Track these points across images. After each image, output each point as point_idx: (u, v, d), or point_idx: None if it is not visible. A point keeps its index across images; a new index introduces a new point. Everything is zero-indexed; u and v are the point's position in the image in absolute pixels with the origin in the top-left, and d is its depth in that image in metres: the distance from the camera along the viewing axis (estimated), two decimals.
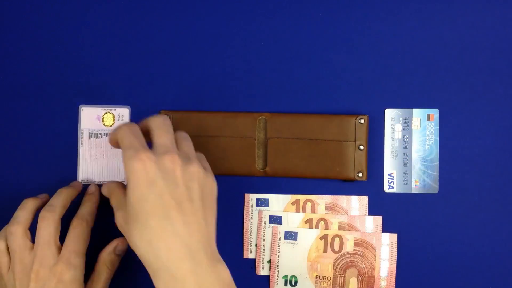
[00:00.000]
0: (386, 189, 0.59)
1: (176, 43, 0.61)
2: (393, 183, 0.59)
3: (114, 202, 0.51)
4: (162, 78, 0.61)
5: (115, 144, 0.51)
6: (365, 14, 0.60)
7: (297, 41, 0.60)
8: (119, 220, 0.49)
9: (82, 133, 0.55)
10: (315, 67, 0.60)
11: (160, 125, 0.49)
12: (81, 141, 0.55)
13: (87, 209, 0.56)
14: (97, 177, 0.58)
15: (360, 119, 0.58)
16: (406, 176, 0.59)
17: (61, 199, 0.55)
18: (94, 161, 0.56)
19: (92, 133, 0.55)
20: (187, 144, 0.51)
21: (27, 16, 0.61)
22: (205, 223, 0.47)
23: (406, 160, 0.59)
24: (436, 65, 0.60)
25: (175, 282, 0.44)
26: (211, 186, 0.49)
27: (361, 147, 0.58)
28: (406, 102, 0.60)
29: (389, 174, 0.59)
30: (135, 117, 0.61)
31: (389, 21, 0.60)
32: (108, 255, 0.56)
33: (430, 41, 0.60)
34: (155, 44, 0.61)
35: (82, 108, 0.54)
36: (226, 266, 0.47)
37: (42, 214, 0.53)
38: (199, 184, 0.48)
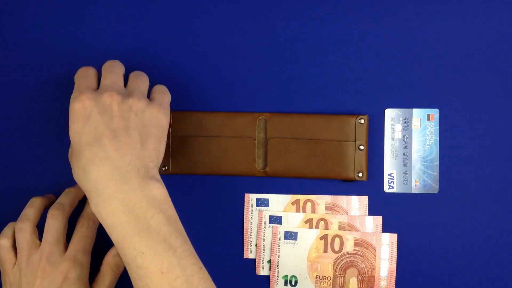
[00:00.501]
0: (386, 189, 0.59)
1: (176, 43, 0.61)
2: (393, 183, 0.59)
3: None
4: (162, 78, 0.61)
5: None
6: (365, 14, 0.60)
7: (297, 41, 0.60)
8: (69, 156, 0.53)
9: None
10: (315, 67, 0.60)
11: (107, 67, 0.53)
12: None
13: (64, 198, 0.56)
14: None
15: (360, 119, 0.58)
16: (406, 176, 0.59)
17: (69, 198, 0.56)
18: None
19: None
20: (136, 80, 0.54)
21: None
22: (141, 147, 0.49)
23: (406, 160, 0.59)
24: (436, 65, 0.59)
25: (102, 201, 0.47)
26: (155, 116, 0.51)
27: (361, 147, 0.58)
28: (406, 102, 0.60)
29: (389, 174, 0.59)
30: None
31: (389, 21, 0.60)
32: (113, 258, 0.56)
33: (430, 41, 0.60)
34: (155, 44, 0.61)
35: None
36: (161, 185, 0.49)
37: (51, 212, 0.54)
38: (136, 114, 0.50)
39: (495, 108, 0.59)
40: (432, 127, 0.59)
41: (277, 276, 0.59)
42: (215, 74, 0.60)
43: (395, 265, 0.59)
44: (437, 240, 0.59)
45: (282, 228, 0.60)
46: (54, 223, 0.53)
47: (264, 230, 0.60)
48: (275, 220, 0.60)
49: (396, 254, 0.59)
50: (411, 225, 0.59)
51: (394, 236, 0.59)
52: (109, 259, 0.56)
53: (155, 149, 0.51)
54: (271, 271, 0.60)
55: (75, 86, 0.52)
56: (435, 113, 0.59)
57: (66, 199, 0.56)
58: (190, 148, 0.59)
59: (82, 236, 0.54)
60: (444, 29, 0.60)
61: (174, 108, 0.60)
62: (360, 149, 0.58)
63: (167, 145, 0.59)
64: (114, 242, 0.48)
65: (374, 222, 0.59)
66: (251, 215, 0.60)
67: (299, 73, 0.60)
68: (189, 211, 0.60)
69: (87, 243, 0.54)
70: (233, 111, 0.60)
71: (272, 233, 0.60)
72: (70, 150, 0.53)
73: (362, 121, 0.58)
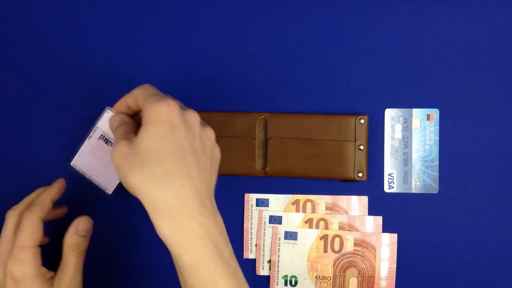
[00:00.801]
0: (386, 189, 0.59)
1: (176, 43, 0.61)
2: (393, 183, 0.59)
3: (119, 133, 0.50)
4: (162, 78, 0.61)
5: (126, 107, 0.51)
6: (365, 15, 0.60)
7: (297, 41, 0.60)
8: (120, 152, 0.46)
9: (96, 129, 0.54)
10: (315, 67, 0.60)
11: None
12: (91, 135, 0.55)
13: (40, 200, 0.53)
14: (87, 171, 0.56)
15: (360, 119, 0.58)
16: (406, 176, 0.59)
17: (39, 199, 0.53)
18: (92, 158, 0.56)
19: (103, 136, 0.54)
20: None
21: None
22: (210, 178, 0.49)
23: (406, 160, 0.59)
24: (436, 65, 0.59)
25: (180, 218, 0.44)
26: (218, 154, 0.51)
27: (361, 147, 0.58)
28: (406, 102, 0.60)
29: (389, 174, 0.59)
30: None
31: (390, 21, 0.60)
32: (71, 237, 0.52)
33: (430, 41, 0.60)
34: (155, 44, 0.61)
35: (108, 110, 0.54)
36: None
37: (9, 213, 0.52)
38: (211, 145, 0.49)
39: (495, 108, 0.59)
40: (432, 127, 0.59)
41: (277, 276, 0.59)
42: (215, 74, 0.60)
43: (395, 265, 0.59)
44: (437, 240, 0.59)
45: (282, 228, 0.60)
46: (8, 223, 0.52)
47: (264, 230, 0.60)
48: (275, 220, 0.60)
49: (396, 254, 0.59)
50: (411, 225, 0.59)
51: (394, 236, 0.59)
52: (68, 240, 0.52)
53: (216, 179, 0.50)
54: (271, 271, 0.60)
55: (150, 93, 0.48)
56: (435, 113, 0.59)
57: (38, 200, 0.53)
58: None
59: (23, 231, 0.51)
60: (444, 29, 0.60)
61: None
62: (360, 149, 0.58)
63: None
64: (182, 264, 0.44)
65: (374, 222, 0.59)
66: (251, 215, 0.60)
67: (299, 73, 0.60)
68: None
69: (28, 239, 0.51)
70: (233, 111, 0.60)
71: (272, 233, 0.60)
72: (122, 146, 0.47)
73: (362, 121, 0.58)
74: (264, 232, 0.60)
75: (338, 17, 0.60)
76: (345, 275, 0.59)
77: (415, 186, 0.59)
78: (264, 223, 0.60)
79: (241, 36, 0.61)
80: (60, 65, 0.61)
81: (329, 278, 0.59)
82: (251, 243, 0.60)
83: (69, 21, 0.61)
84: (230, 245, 0.47)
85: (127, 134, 0.49)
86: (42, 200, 0.53)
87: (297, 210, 0.60)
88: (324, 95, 0.60)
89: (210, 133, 0.50)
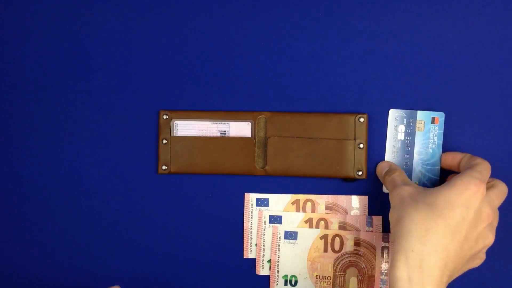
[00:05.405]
0: (385, 189, 0.59)
1: (176, 43, 0.61)
2: None
3: (398, 178, 0.55)
4: (162, 77, 0.61)
5: (452, 159, 0.57)
6: (367, 15, 0.60)
7: (297, 41, 0.60)
8: (407, 192, 0.52)
9: None
10: (315, 67, 0.60)
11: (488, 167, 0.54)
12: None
13: None
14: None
15: (359, 117, 0.58)
16: None
17: None
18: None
19: None
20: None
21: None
22: (460, 267, 0.51)
23: (407, 162, 0.59)
24: (444, 68, 0.59)
25: (416, 276, 0.48)
26: (481, 257, 0.53)
27: (361, 145, 0.58)
28: (411, 103, 0.59)
29: None
30: (132, 117, 0.61)
31: (396, 22, 0.60)
32: None
33: (439, 42, 0.59)
34: (155, 44, 0.61)
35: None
36: None
37: None
38: (482, 246, 0.52)
39: (503, 115, 0.58)
40: (436, 131, 0.58)
41: (277, 276, 0.59)
42: (215, 73, 0.61)
43: None
44: None
45: (282, 228, 0.60)
46: None
47: (264, 230, 0.60)
48: (275, 219, 0.60)
49: None
50: None
51: None
52: None
53: (459, 273, 0.53)
54: (271, 271, 0.59)
55: (484, 170, 0.52)
56: (440, 116, 0.58)
57: None
58: (190, 148, 0.59)
59: None
60: (453, 31, 0.59)
61: (174, 108, 0.60)
62: (359, 148, 0.58)
63: (167, 144, 0.60)
64: None
65: (374, 222, 0.59)
66: (251, 215, 0.60)
67: (299, 73, 0.60)
68: (189, 211, 0.60)
69: None
70: (233, 110, 0.60)
71: (272, 233, 0.60)
72: (407, 189, 0.52)
73: (362, 119, 0.58)
74: (264, 232, 0.60)
75: (339, 17, 0.60)
76: (345, 274, 0.59)
77: None
78: (264, 222, 0.60)
79: (241, 35, 0.61)
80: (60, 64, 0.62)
81: (329, 278, 0.59)
82: (251, 243, 0.60)
83: (66, 22, 0.62)
84: None
85: (403, 180, 0.55)
86: None
87: (297, 210, 0.60)
88: (325, 96, 0.60)
89: (489, 240, 0.52)
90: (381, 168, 0.58)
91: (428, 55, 0.59)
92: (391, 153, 0.59)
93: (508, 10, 0.59)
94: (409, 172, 0.58)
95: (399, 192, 0.52)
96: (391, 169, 0.57)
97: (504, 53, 0.59)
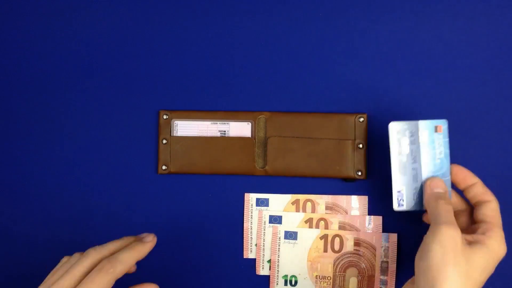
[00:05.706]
0: (396, 207, 0.55)
1: (176, 43, 0.61)
2: (403, 201, 0.55)
3: (452, 212, 0.51)
4: (162, 77, 0.61)
5: (464, 177, 0.54)
6: (367, 15, 0.60)
7: (297, 41, 0.60)
8: (453, 240, 0.48)
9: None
10: (315, 68, 0.60)
11: None
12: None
13: (126, 256, 0.48)
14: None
15: (359, 117, 0.58)
16: (416, 193, 0.55)
17: (124, 255, 0.48)
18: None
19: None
20: None
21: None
22: None
23: (415, 176, 0.54)
24: (444, 67, 0.59)
25: None
26: None
27: (361, 145, 0.58)
28: (411, 103, 0.59)
29: (398, 191, 0.55)
30: (132, 117, 0.61)
31: (392, 28, 0.60)
32: None
33: (439, 42, 0.59)
34: (155, 44, 0.61)
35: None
36: None
37: (91, 252, 0.48)
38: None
39: (509, 116, 0.59)
40: (441, 139, 0.54)
41: (277, 276, 0.59)
42: (215, 73, 0.61)
43: (395, 265, 0.58)
44: None
45: (282, 228, 0.60)
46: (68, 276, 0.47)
47: (264, 230, 0.60)
48: (275, 220, 0.60)
49: (396, 254, 0.59)
50: (411, 225, 0.59)
51: (394, 236, 0.59)
52: None
53: None
54: (271, 271, 0.59)
55: (498, 211, 0.52)
56: (443, 124, 0.54)
57: (126, 254, 0.48)
58: (190, 148, 0.60)
59: (94, 282, 0.45)
60: (449, 35, 0.59)
61: (174, 108, 0.61)
62: (359, 148, 0.58)
63: (167, 144, 0.60)
64: None
65: (374, 222, 0.59)
66: (251, 215, 0.60)
67: (299, 73, 0.60)
68: (189, 211, 0.60)
69: None
70: (233, 110, 0.60)
71: (272, 233, 0.60)
72: (454, 236, 0.48)
73: (362, 119, 0.58)
74: (264, 232, 0.60)
75: (339, 18, 0.60)
76: (345, 274, 0.59)
77: None
78: (264, 222, 0.60)
79: (241, 35, 0.61)
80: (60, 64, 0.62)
81: (329, 278, 0.59)
82: (251, 243, 0.60)
83: (66, 22, 0.62)
84: None
85: (456, 222, 0.50)
86: (127, 259, 0.48)
87: (297, 210, 0.60)
88: (325, 95, 0.60)
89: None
90: (435, 187, 0.53)
91: (428, 54, 0.59)
92: (397, 168, 0.55)
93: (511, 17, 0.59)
94: (419, 186, 0.55)
95: (453, 235, 0.48)
96: (446, 196, 0.53)
97: (504, 54, 0.59)
